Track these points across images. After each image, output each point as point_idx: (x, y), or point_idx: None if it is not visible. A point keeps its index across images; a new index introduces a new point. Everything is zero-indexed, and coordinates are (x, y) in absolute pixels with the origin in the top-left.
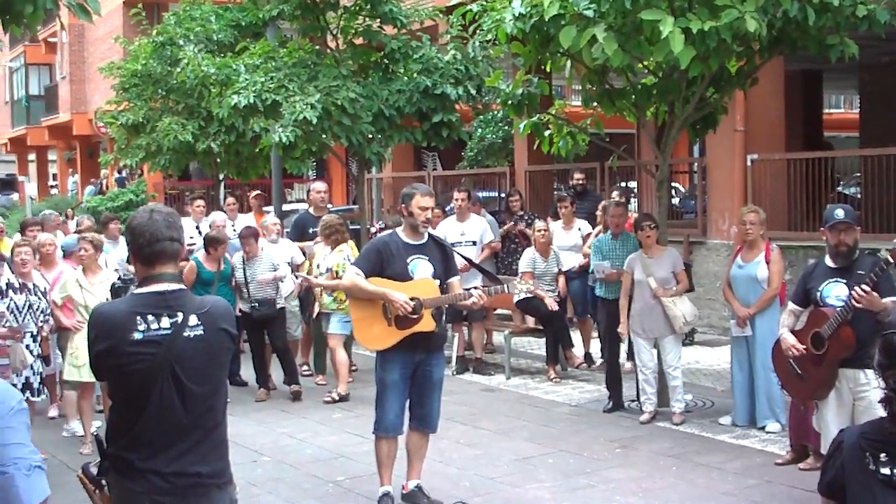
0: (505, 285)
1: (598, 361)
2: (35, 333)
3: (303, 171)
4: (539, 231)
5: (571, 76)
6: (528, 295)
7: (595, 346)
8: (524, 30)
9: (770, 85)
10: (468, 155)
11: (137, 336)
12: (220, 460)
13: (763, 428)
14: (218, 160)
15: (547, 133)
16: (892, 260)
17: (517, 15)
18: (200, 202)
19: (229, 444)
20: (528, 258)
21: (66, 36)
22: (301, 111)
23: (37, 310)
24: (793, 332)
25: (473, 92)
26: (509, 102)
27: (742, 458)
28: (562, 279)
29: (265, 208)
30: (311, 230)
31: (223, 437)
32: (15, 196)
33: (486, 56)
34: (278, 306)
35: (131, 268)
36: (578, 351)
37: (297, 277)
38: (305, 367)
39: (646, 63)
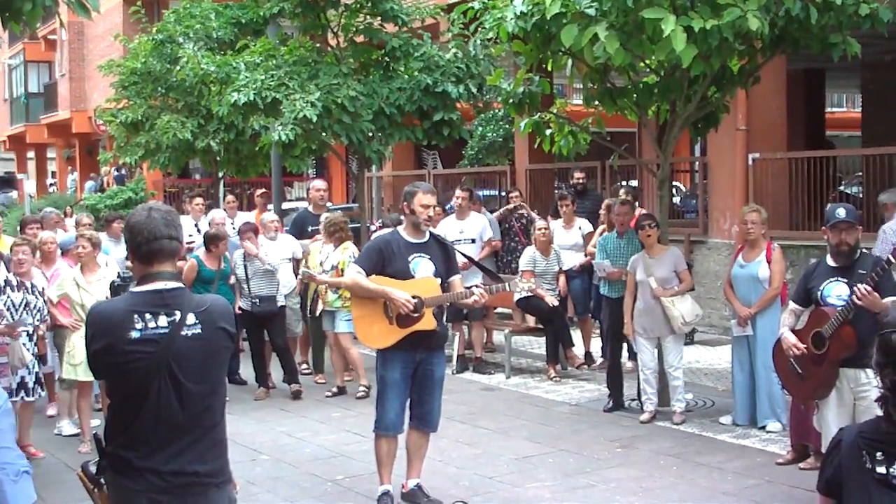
0: (506, 283)
1: (599, 360)
2: (31, 332)
3: (302, 170)
4: (540, 230)
5: (573, 75)
6: (529, 294)
7: (595, 345)
8: (525, 28)
9: (772, 84)
10: (469, 153)
11: (135, 334)
12: (218, 459)
13: (764, 427)
14: (217, 158)
15: (548, 132)
16: (893, 260)
17: (518, 13)
18: (199, 200)
19: (228, 443)
20: (529, 257)
21: (66, 33)
22: (301, 109)
23: (34, 308)
24: (794, 331)
25: (474, 90)
26: (510, 101)
27: (743, 458)
28: (562, 278)
29: (269, 206)
30: (310, 228)
31: (222, 436)
32: (14, 194)
33: (488, 54)
34: (279, 304)
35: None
36: (579, 350)
37: (299, 273)
38: (305, 366)
39: (647, 62)
